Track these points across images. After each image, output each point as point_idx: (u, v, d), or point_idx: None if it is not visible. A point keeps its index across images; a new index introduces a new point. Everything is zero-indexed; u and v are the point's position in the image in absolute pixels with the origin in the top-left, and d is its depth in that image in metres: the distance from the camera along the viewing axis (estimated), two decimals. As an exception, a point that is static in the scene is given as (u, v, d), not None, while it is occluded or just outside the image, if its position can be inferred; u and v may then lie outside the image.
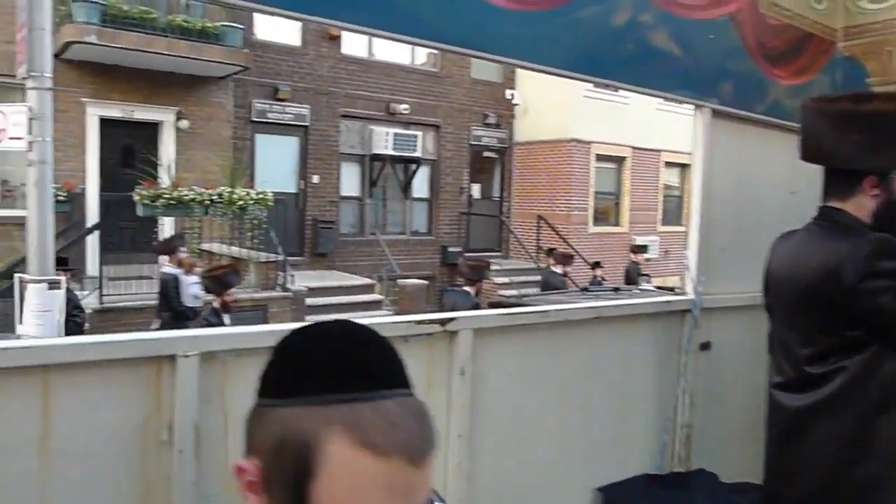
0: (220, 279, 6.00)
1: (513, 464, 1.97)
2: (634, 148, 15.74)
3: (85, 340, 1.28)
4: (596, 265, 11.79)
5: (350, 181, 13.67)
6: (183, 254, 7.68)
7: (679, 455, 2.46)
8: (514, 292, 12.09)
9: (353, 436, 0.71)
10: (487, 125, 15.26)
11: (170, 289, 7.26)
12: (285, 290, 9.82)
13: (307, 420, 0.72)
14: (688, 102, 2.46)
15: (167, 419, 1.36)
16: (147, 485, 1.35)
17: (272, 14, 1.63)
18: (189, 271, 7.42)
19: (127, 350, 1.31)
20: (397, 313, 10.18)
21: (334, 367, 0.75)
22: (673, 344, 2.44)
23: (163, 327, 7.06)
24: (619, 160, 15.76)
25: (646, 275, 12.30)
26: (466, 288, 7.08)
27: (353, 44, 13.31)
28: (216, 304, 5.94)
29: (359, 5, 1.64)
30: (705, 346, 2.52)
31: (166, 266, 7.61)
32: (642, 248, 12.60)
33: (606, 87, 14.32)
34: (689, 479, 2.47)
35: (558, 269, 10.18)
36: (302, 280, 10.48)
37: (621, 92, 14.48)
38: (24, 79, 4.35)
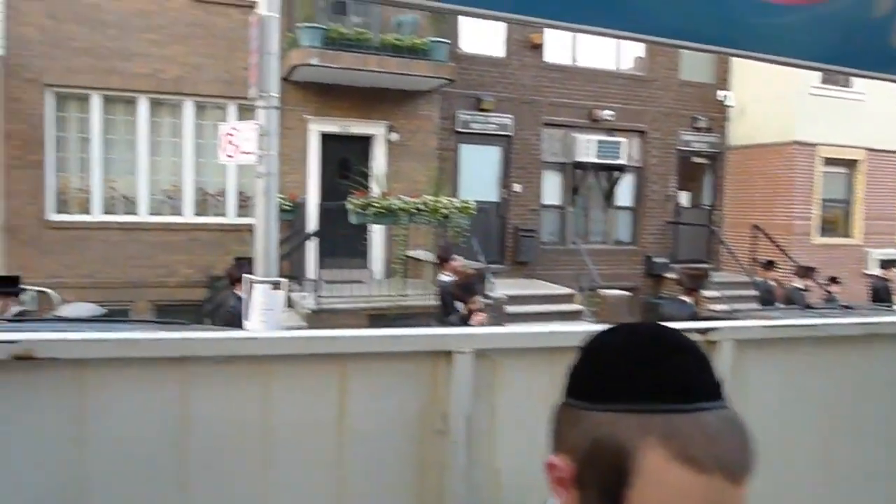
0: (465, 286, 6.15)
1: (772, 484, 1.83)
2: (870, 150, 14.07)
3: (377, 333, 1.38)
4: (832, 280, 10.72)
5: (552, 189, 13.65)
6: (455, 262, 7.79)
7: (967, 496, 2.14)
8: (724, 307, 11.35)
9: (670, 448, 0.70)
10: (697, 129, 14.49)
11: (445, 294, 7.41)
12: (486, 297, 10.00)
13: (623, 427, 0.72)
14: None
15: (442, 410, 1.43)
16: (423, 469, 1.43)
17: (505, 20, 1.65)
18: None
19: (411, 344, 1.40)
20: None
21: (653, 378, 0.74)
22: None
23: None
24: (851, 163, 14.16)
25: None
26: (683, 297, 6.78)
27: (556, 51, 13.31)
28: (464, 312, 6.10)
29: (596, 7, 1.60)
30: None
31: (442, 274, 7.86)
32: (893, 263, 11.19)
33: (837, 82, 13.03)
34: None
35: (799, 284, 9.50)
36: (502, 288, 10.61)
37: (856, 87, 13.13)
38: (254, 99, 4.89)
